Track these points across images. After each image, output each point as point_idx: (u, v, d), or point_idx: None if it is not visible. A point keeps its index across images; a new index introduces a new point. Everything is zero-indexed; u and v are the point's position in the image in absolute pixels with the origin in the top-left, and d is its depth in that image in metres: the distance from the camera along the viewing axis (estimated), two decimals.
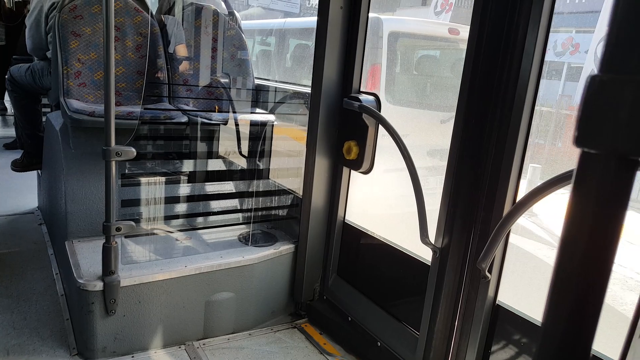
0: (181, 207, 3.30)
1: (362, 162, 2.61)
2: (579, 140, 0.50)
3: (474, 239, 2.08)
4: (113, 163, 2.24)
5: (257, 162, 3.51)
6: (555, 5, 1.78)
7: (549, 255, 4.10)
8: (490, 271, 2.00)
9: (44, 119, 3.71)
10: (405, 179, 2.29)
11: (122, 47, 3.12)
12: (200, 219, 3.32)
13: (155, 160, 3.26)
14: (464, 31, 3.03)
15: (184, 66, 3.50)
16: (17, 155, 4.04)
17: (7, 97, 4.92)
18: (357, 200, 2.94)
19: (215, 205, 3.45)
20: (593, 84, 0.48)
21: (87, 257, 2.61)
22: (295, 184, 3.16)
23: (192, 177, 3.37)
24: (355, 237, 2.87)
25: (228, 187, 3.53)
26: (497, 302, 2.08)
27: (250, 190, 3.48)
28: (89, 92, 3.06)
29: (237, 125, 3.45)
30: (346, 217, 2.90)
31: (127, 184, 2.95)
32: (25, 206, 4.21)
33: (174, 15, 3.53)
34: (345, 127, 2.72)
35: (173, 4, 3.57)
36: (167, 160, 3.33)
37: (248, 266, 2.74)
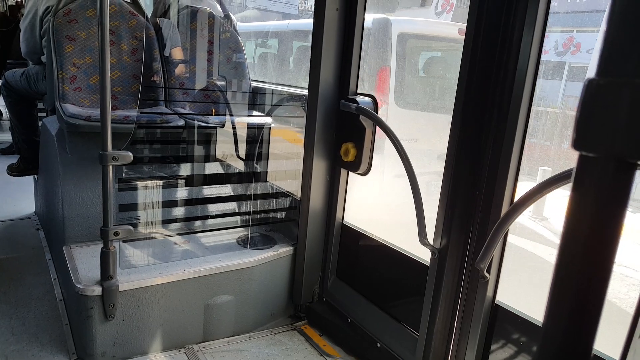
0: (179, 211, 3.29)
1: (359, 164, 2.61)
2: (577, 144, 0.50)
3: (472, 239, 2.08)
4: (110, 167, 2.23)
5: (255, 165, 3.50)
6: (554, 5, 1.79)
7: (548, 254, 4.10)
8: (488, 271, 2.00)
9: (40, 123, 3.70)
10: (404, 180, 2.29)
11: (118, 51, 3.12)
12: (198, 223, 3.32)
13: (152, 164, 3.25)
14: None
15: (180, 69, 3.49)
16: (13, 160, 4.03)
17: (2, 102, 4.90)
18: (357, 202, 2.95)
19: (214, 208, 3.45)
20: (590, 86, 0.49)
21: (85, 262, 2.61)
22: (294, 187, 3.16)
23: (189, 181, 3.36)
24: (354, 239, 2.87)
25: (226, 190, 3.53)
26: (496, 301, 2.09)
27: (248, 193, 3.48)
28: (85, 97, 3.05)
29: (234, 128, 3.45)
30: (344, 219, 2.90)
31: (124, 188, 2.94)
32: (22, 211, 4.20)
33: (169, 18, 3.52)
34: (342, 129, 2.72)
35: (168, 7, 3.56)
36: (164, 164, 3.32)
37: (247, 269, 2.74)
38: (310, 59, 2.73)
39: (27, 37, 3.26)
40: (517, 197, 1.89)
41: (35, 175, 4.02)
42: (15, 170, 3.91)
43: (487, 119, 1.95)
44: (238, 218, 3.41)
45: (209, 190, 3.47)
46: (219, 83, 3.64)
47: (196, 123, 3.29)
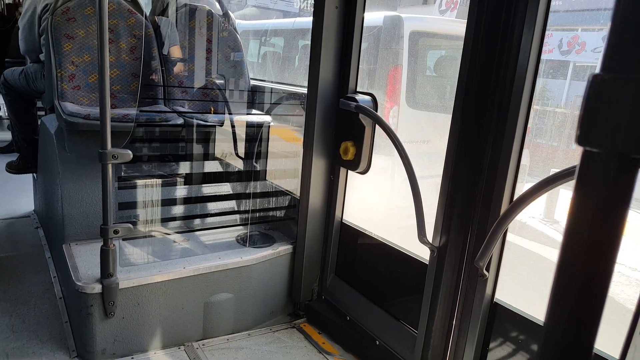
0: (178, 209, 3.29)
1: (359, 163, 2.61)
2: (581, 139, 0.51)
3: (472, 237, 2.09)
4: (109, 166, 2.23)
5: (254, 163, 3.50)
6: (559, 3, 1.79)
7: (547, 253, 4.11)
8: (487, 269, 2.00)
9: (39, 122, 3.70)
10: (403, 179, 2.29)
11: (116, 49, 3.12)
12: (198, 221, 3.32)
13: (151, 163, 3.25)
14: None
15: (178, 68, 3.49)
16: (12, 158, 4.02)
17: (1, 100, 4.89)
18: (356, 200, 2.95)
19: (213, 206, 3.45)
20: (595, 83, 0.49)
21: (85, 259, 2.61)
22: (293, 185, 3.16)
23: (188, 179, 3.36)
24: (353, 237, 2.88)
25: (225, 188, 3.53)
26: (495, 300, 2.09)
27: (247, 191, 3.48)
28: (84, 95, 3.05)
29: (233, 126, 3.45)
30: (344, 217, 2.90)
31: (123, 187, 2.94)
32: (21, 210, 4.19)
33: (167, 17, 3.52)
34: (342, 128, 2.72)
35: (167, 5, 3.56)
36: (163, 162, 3.32)
37: (246, 267, 2.74)
38: (309, 57, 2.73)
39: (25, 35, 3.25)
40: (516, 196, 1.89)
41: (34, 174, 4.01)
42: (14, 168, 3.91)
43: (486, 117, 1.96)
44: (237, 216, 3.42)
45: (208, 189, 3.47)
46: (217, 81, 3.64)
47: (195, 121, 3.29)
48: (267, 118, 3.51)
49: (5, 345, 2.43)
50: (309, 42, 2.69)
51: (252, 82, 3.84)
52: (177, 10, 3.55)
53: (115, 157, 2.22)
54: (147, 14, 3.50)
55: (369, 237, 2.79)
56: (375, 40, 4.47)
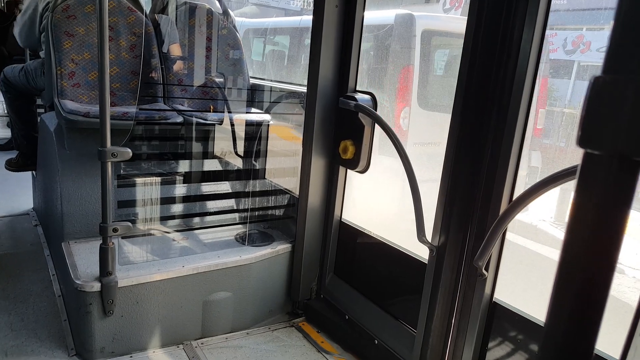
0: (178, 208, 3.29)
1: (358, 161, 2.61)
2: (581, 141, 0.50)
3: (471, 237, 2.09)
4: (109, 164, 2.23)
5: (253, 162, 3.50)
6: (558, 2, 1.79)
7: (547, 251, 4.10)
8: (487, 269, 2.00)
9: (38, 119, 3.69)
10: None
11: (116, 47, 3.11)
12: (197, 219, 3.32)
13: (151, 161, 3.25)
14: None
15: (178, 66, 3.49)
16: (11, 155, 4.02)
17: (0, 98, 4.88)
18: (357, 200, 2.95)
19: (212, 205, 3.45)
20: (596, 84, 0.49)
21: (84, 258, 2.61)
22: (292, 184, 3.16)
23: (188, 178, 3.36)
24: (352, 236, 2.88)
25: (224, 187, 3.53)
26: (494, 299, 2.09)
27: (246, 190, 3.48)
28: (83, 93, 3.05)
29: (232, 125, 3.44)
30: (343, 216, 2.90)
31: (123, 185, 2.94)
32: (20, 207, 4.19)
33: (167, 15, 3.51)
34: (341, 127, 2.72)
35: (167, 3, 3.55)
36: (163, 160, 3.32)
37: (245, 266, 2.74)
38: (309, 55, 2.73)
39: (25, 32, 3.25)
40: (515, 195, 1.89)
41: (34, 171, 4.01)
42: (13, 166, 3.90)
43: (486, 116, 1.95)
44: (236, 215, 3.42)
45: (207, 187, 3.47)
46: (217, 80, 3.64)
47: (194, 120, 3.28)
48: (266, 116, 3.51)
49: (4, 343, 2.43)
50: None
51: (257, 81, 3.84)
52: (177, 8, 3.55)
53: (114, 155, 2.22)
54: (147, 11, 3.50)
55: (368, 236, 2.79)
56: (384, 39, 4.39)
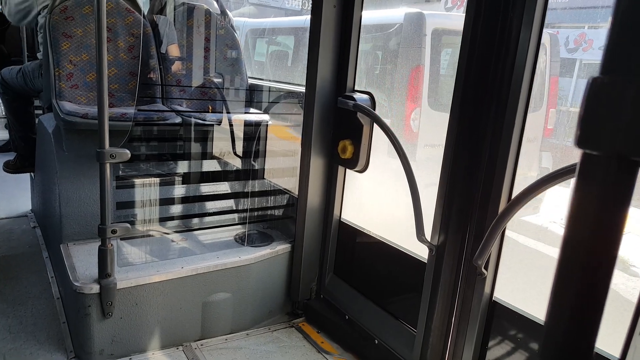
0: (176, 209, 3.29)
1: (357, 161, 2.61)
2: (580, 141, 0.50)
3: (470, 236, 2.08)
4: (107, 165, 2.23)
5: (252, 162, 3.50)
6: (551, 1, 1.78)
7: (546, 251, 4.10)
8: (486, 268, 2.00)
9: (36, 120, 3.69)
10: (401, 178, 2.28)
11: (114, 48, 3.11)
12: (196, 220, 3.31)
13: (149, 162, 3.24)
14: None
15: (176, 66, 3.48)
16: (9, 157, 4.01)
17: None
18: (356, 200, 2.94)
19: (211, 205, 3.44)
20: (594, 85, 0.49)
21: (82, 259, 2.60)
22: (291, 184, 3.16)
23: (186, 178, 3.36)
24: (351, 236, 2.88)
25: (223, 187, 3.52)
26: (494, 298, 2.09)
27: (245, 190, 3.48)
28: (81, 94, 3.04)
29: (231, 125, 3.44)
30: (342, 216, 2.90)
31: (121, 186, 2.94)
32: (18, 209, 4.18)
33: (165, 15, 3.51)
34: (340, 126, 2.72)
35: (165, 4, 3.55)
36: (161, 161, 3.32)
37: (245, 266, 2.74)
38: (307, 55, 2.73)
39: (19, 19, 3.24)
40: (514, 194, 1.89)
41: (32, 173, 4.00)
42: (11, 167, 3.90)
43: (485, 114, 1.95)
44: (235, 215, 3.41)
45: (206, 188, 3.47)
46: (215, 80, 3.64)
47: (193, 120, 3.28)
48: (265, 117, 3.51)
49: (2, 346, 2.42)
50: None
51: (255, 81, 3.83)
52: (175, 9, 3.55)
53: (113, 156, 2.22)
54: (145, 12, 3.49)
55: (368, 235, 2.79)
56: (396, 38, 4.31)
